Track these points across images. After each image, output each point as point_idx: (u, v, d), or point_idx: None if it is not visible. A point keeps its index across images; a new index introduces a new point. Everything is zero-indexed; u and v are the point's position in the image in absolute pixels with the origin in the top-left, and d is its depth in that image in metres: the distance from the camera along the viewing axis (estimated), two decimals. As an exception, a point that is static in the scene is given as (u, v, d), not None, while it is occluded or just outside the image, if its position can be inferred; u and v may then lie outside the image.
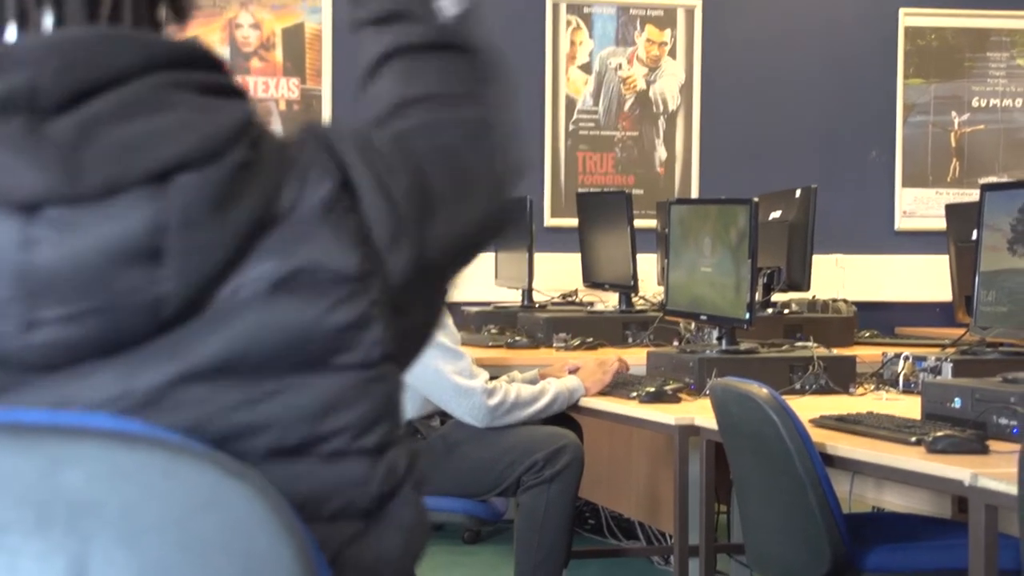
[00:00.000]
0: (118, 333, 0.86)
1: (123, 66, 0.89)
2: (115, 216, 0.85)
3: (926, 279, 5.93)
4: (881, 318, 5.87)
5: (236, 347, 0.89)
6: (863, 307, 5.41)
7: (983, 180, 6.34)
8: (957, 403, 2.92)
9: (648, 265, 5.50)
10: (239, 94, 0.94)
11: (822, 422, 3.10)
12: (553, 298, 5.48)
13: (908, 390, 3.67)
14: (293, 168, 0.94)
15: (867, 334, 5.21)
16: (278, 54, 5.73)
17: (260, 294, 0.90)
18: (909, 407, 3.24)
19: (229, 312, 0.89)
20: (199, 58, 0.93)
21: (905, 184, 6.38)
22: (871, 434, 2.94)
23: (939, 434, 2.74)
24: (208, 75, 0.92)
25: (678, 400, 3.65)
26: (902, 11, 6.34)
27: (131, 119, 0.87)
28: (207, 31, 5.64)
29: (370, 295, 0.93)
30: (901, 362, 3.76)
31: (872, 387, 3.80)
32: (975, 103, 6.42)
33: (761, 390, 2.94)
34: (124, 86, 0.88)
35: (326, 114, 5.75)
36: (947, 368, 3.55)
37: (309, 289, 0.91)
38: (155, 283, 0.86)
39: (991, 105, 6.43)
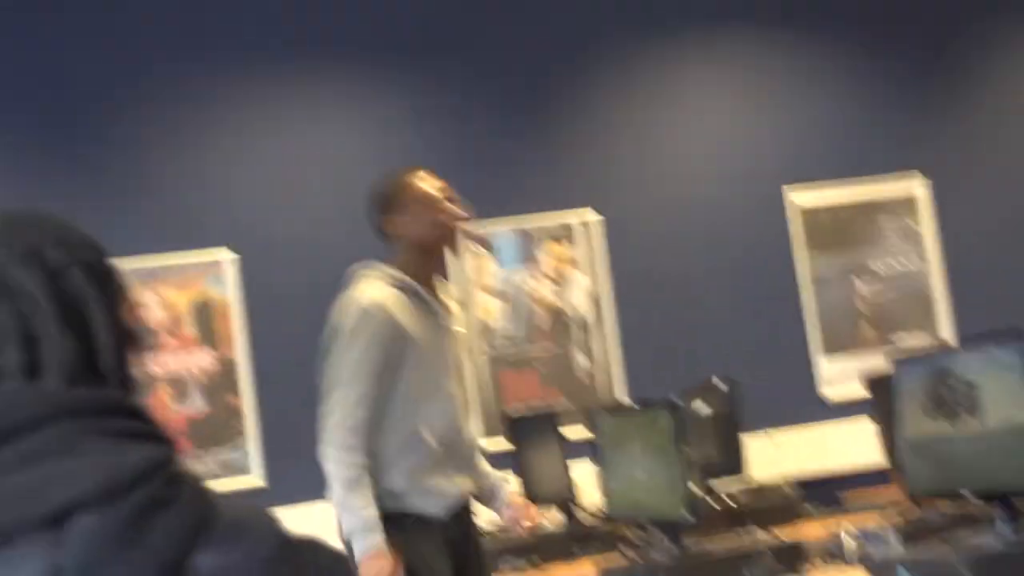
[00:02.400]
0: None
1: (25, 418, 0.91)
2: (13, 564, 0.85)
3: (861, 443, 5.98)
4: (824, 488, 5.90)
5: None
6: (806, 484, 5.44)
7: (896, 338, 6.47)
8: (904, 577, 2.94)
9: (590, 473, 5.50)
10: (158, 439, 0.95)
11: (778, 615, 3.09)
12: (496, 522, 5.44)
13: (861, 561, 3.67)
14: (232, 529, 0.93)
15: (812, 509, 5.22)
16: (189, 327, 5.77)
17: None
18: (861, 584, 3.25)
19: None
20: (115, 407, 0.94)
21: (823, 352, 6.48)
22: (827, 621, 2.94)
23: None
24: (122, 422, 0.94)
25: (635, 613, 3.62)
26: (785, 188, 6.53)
27: (32, 466, 0.88)
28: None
29: None
30: (844, 538, 3.77)
31: (825, 563, 3.80)
32: (876, 268, 6.58)
33: (712, 595, 2.93)
34: (31, 435, 0.90)
35: (244, 381, 5.79)
36: (893, 538, 3.57)
37: None
38: None
39: (891, 269, 6.60)
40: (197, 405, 5.72)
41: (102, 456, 0.90)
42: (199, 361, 5.75)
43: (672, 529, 3.91)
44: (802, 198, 6.54)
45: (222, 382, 5.76)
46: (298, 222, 5.95)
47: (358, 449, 3.66)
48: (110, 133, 5.83)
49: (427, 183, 3.90)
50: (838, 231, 6.55)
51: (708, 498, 4.86)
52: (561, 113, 6.41)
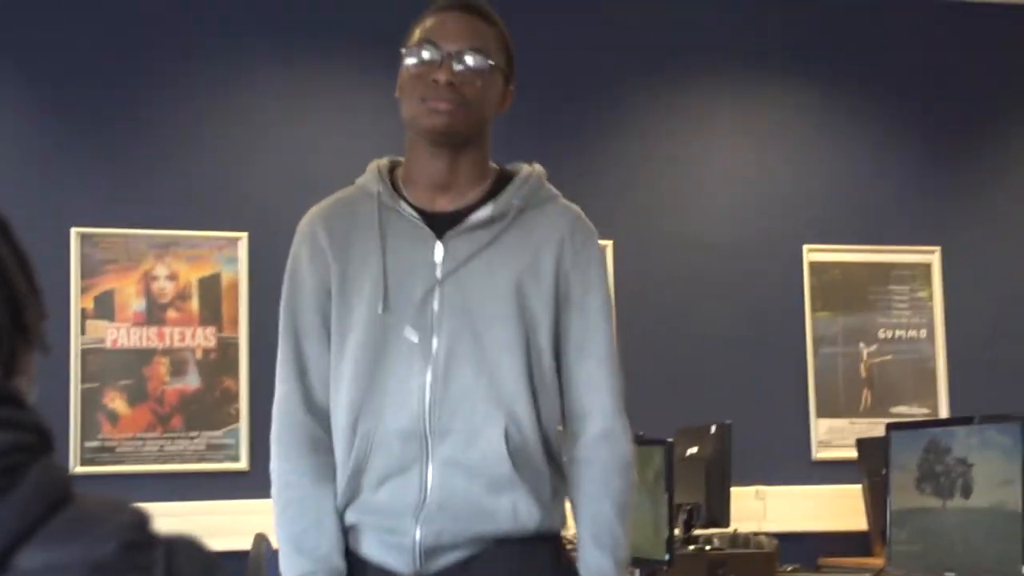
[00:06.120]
0: None
1: None
2: None
3: (846, 508, 5.97)
4: (804, 548, 5.88)
5: None
6: (785, 538, 5.42)
7: (894, 409, 6.45)
8: (875, 645, 2.92)
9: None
10: (7, 426, 0.88)
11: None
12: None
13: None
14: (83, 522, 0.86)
15: (790, 568, 5.21)
16: (194, 304, 5.77)
17: None
18: (830, 648, 3.23)
19: None
20: None
21: (819, 415, 6.46)
22: None
23: None
24: None
25: (600, 646, 3.60)
26: (805, 247, 6.53)
27: None
28: (123, 284, 5.68)
29: None
30: (821, 600, 3.76)
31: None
32: (881, 334, 6.58)
33: (680, 638, 2.93)
34: None
35: (243, 365, 5.77)
36: (867, 605, 3.56)
37: None
38: None
39: (897, 336, 6.59)
40: (193, 383, 5.71)
41: None
42: (199, 339, 5.75)
43: (649, 569, 3.91)
44: (819, 257, 6.53)
45: (220, 363, 5.75)
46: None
47: (289, 444, 2.57)
48: (141, 112, 5.85)
49: (415, 53, 2.47)
50: (849, 294, 6.54)
51: (688, 543, 4.85)
52: (584, 137, 6.41)
